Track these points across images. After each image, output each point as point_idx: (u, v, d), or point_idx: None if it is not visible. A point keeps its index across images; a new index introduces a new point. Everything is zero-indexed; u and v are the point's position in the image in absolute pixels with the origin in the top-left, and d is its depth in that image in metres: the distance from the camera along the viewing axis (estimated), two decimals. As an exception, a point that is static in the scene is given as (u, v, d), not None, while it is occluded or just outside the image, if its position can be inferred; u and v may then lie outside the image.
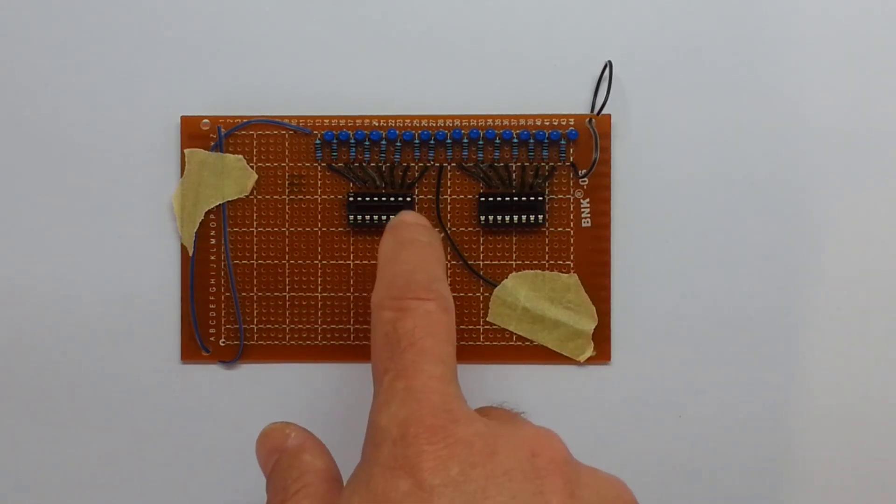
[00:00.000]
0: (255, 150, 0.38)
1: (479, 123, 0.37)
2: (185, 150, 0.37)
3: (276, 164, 0.38)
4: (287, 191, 0.38)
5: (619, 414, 0.38)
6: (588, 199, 0.37)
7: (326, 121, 0.37)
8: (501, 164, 0.37)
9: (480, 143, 0.37)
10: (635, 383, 0.37)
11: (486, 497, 0.26)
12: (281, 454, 0.30)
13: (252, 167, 0.38)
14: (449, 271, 0.37)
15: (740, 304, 0.37)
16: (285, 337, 0.38)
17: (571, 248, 0.37)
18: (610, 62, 0.37)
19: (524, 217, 0.37)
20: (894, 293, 0.37)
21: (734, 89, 0.37)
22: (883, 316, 0.37)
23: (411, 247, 0.31)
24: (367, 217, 0.37)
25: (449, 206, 0.37)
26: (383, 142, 0.37)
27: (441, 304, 0.30)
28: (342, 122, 0.37)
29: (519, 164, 0.37)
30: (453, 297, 0.37)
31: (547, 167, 0.37)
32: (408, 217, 0.33)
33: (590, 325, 0.37)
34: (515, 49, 0.37)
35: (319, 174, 0.38)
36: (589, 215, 0.37)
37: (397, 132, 0.37)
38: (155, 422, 0.38)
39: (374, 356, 0.29)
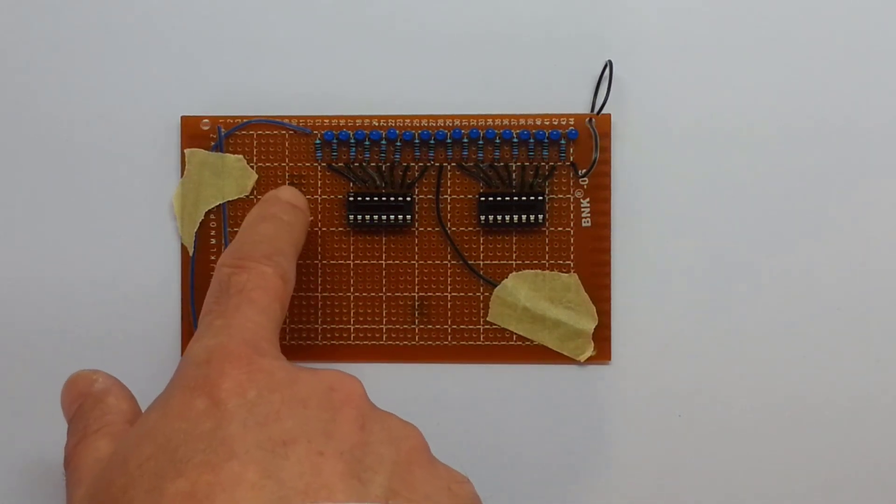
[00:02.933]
0: (255, 150, 0.38)
1: (479, 123, 0.37)
2: (186, 150, 0.37)
3: (276, 164, 0.38)
4: (287, 191, 0.38)
5: (619, 414, 0.37)
6: (588, 199, 0.37)
7: (326, 121, 0.37)
8: (501, 164, 0.37)
9: (480, 142, 0.37)
10: (635, 383, 0.37)
11: (278, 419, 0.27)
12: (85, 398, 0.30)
13: (252, 167, 0.38)
14: (449, 271, 0.37)
15: (740, 304, 0.37)
16: (285, 337, 0.38)
17: (571, 247, 0.37)
18: (610, 62, 0.37)
19: (524, 217, 0.37)
20: (894, 293, 0.37)
21: (734, 89, 0.37)
22: (883, 316, 0.37)
23: (270, 221, 0.33)
24: (367, 217, 0.37)
25: (449, 206, 0.37)
26: (383, 142, 0.37)
27: (278, 271, 0.31)
28: (342, 122, 0.37)
29: (519, 163, 0.37)
30: (453, 296, 0.37)
31: (547, 167, 0.37)
32: (283, 193, 0.35)
33: (590, 324, 0.37)
34: (515, 49, 0.37)
35: (319, 174, 0.38)
36: (589, 215, 0.37)
37: (397, 132, 0.37)
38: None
39: (204, 305, 0.30)
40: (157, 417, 0.27)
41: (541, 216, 0.37)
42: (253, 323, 0.29)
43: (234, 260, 0.31)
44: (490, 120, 0.37)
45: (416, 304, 0.38)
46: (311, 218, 0.37)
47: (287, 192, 0.35)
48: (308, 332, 0.38)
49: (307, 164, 0.38)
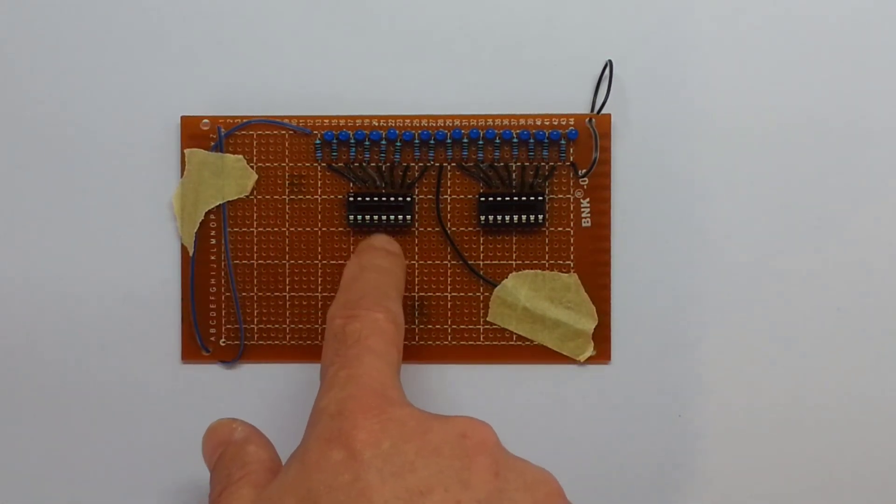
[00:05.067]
0: (255, 150, 0.38)
1: (479, 123, 0.37)
2: (186, 150, 0.37)
3: (276, 164, 0.38)
4: (287, 191, 0.38)
5: (619, 414, 0.37)
6: (588, 199, 0.37)
7: (326, 121, 0.37)
8: (501, 164, 0.37)
9: (480, 142, 0.37)
10: (635, 383, 0.37)
11: (413, 469, 0.27)
12: (226, 447, 0.31)
13: (252, 167, 0.38)
14: (449, 271, 0.37)
15: (740, 304, 0.37)
16: (285, 337, 0.38)
17: (571, 247, 0.37)
18: (610, 62, 0.37)
19: (524, 217, 0.37)
20: (894, 293, 0.37)
21: (734, 89, 0.37)
22: (883, 316, 0.37)
23: (371, 270, 0.34)
24: (367, 217, 0.37)
25: (449, 206, 0.37)
26: (383, 142, 0.37)
27: (389, 316, 0.32)
28: (342, 122, 0.37)
29: (519, 163, 0.37)
30: (453, 296, 0.37)
31: (547, 167, 0.37)
32: (376, 241, 0.36)
33: (590, 324, 0.37)
34: (515, 49, 0.37)
35: (319, 174, 0.38)
36: (589, 215, 0.37)
37: (397, 132, 0.37)
38: (155, 422, 0.38)
39: (322, 357, 0.31)
40: (298, 470, 0.28)
41: (541, 216, 0.37)
42: (377, 371, 0.30)
43: (345, 311, 0.32)
44: (490, 120, 0.37)
45: (416, 304, 0.38)
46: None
47: (379, 240, 0.36)
48: (308, 333, 0.38)
49: (307, 164, 0.38)
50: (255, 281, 0.38)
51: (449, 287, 0.38)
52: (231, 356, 0.38)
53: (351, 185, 0.37)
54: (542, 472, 0.29)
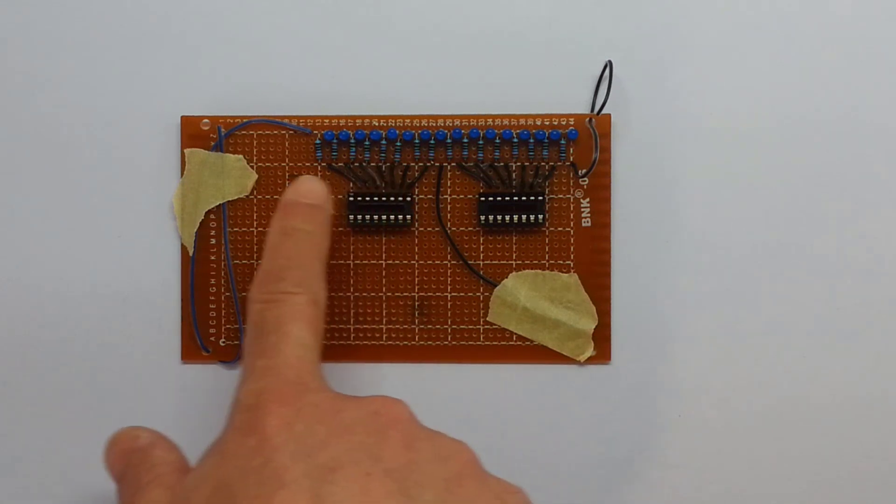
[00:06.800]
0: (255, 150, 0.38)
1: (479, 123, 0.37)
2: (186, 150, 0.37)
3: (276, 164, 0.38)
4: (287, 190, 0.38)
5: (619, 414, 0.37)
6: (588, 199, 0.37)
7: (326, 121, 0.37)
8: (501, 164, 0.37)
9: (480, 142, 0.37)
10: (635, 383, 0.37)
11: (325, 448, 0.27)
12: (131, 454, 0.31)
13: (252, 167, 0.38)
14: (449, 271, 0.37)
15: (740, 304, 0.37)
16: (285, 337, 0.38)
17: (571, 247, 0.37)
18: (610, 62, 0.37)
19: (524, 217, 0.37)
20: (894, 293, 0.37)
21: (734, 89, 0.37)
22: (883, 316, 0.37)
23: (292, 238, 0.33)
24: (367, 217, 0.37)
25: (449, 206, 0.37)
26: (383, 142, 0.37)
27: (310, 297, 0.31)
28: (342, 122, 0.37)
29: (519, 163, 0.37)
30: (453, 296, 0.37)
31: (547, 167, 0.37)
32: (301, 188, 0.34)
33: (590, 324, 0.37)
34: (515, 48, 0.37)
35: (319, 174, 0.38)
36: (589, 215, 0.37)
37: (397, 132, 0.37)
38: (155, 422, 0.37)
39: (244, 345, 0.31)
40: (213, 461, 0.28)
41: (541, 216, 0.37)
42: (295, 359, 0.30)
43: (263, 294, 0.32)
44: (490, 120, 0.37)
45: (416, 304, 0.38)
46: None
47: (304, 188, 0.35)
48: (308, 332, 0.38)
49: (307, 164, 0.38)
50: (255, 281, 0.38)
51: (449, 287, 0.38)
52: (231, 356, 0.38)
53: (351, 184, 0.37)
54: (456, 444, 0.29)
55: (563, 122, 0.37)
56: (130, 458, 0.31)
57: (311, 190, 0.34)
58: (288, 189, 0.35)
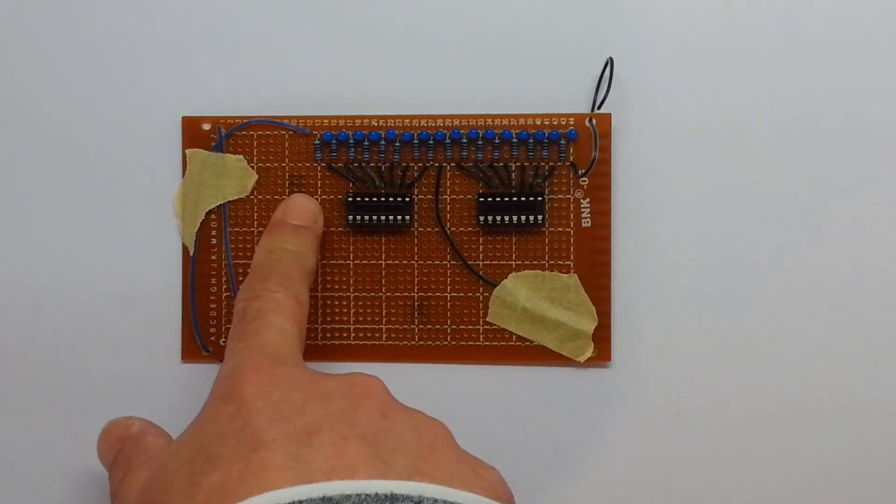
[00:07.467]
0: (255, 151, 0.38)
1: (479, 123, 0.37)
2: (187, 151, 0.38)
3: (276, 164, 0.38)
4: (287, 191, 0.38)
5: (619, 414, 0.37)
6: (588, 199, 0.37)
7: (326, 121, 0.37)
8: (501, 164, 0.37)
9: (480, 142, 0.37)
10: (635, 383, 0.37)
11: (302, 413, 0.28)
12: (124, 442, 0.32)
13: (252, 167, 0.38)
14: (448, 271, 0.37)
15: (740, 304, 0.37)
16: (285, 337, 0.38)
17: (571, 248, 0.37)
18: (611, 58, 0.37)
19: (524, 217, 0.37)
20: (894, 293, 0.37)
21: (734, 88, 0.37)
22: (883, 316, 0.37)
23: (276, 255, 0.35)
24: (367, 217, 0.37)
25: (448, 206, 0.37)
26: (383, 142, 0.37)
27: (289, 294, 0.33)
28: (342, 123, 0.37)
29: (518, 163, 0.37)
30: (453, 297, 0.37)
31: (547, 167, 0.37)
32: (291, 208, 0.36)
33: (590, 325, 0.37)
34: (515, 48, 0.37)
35: (319, 174, 0.38)
36: (589, 215, 0.37)
37: (396, 132, 0.37)
38: (155, 421, 0.38)
39: (228, 337, 0.32)
40: (192, 429, 0.29)
41: (540, 216, 0.37)
42: (272, 339, 0.31)
43: (246, 294, 0.33)
44: (490, 120, 0.37)
45: (416, 304, 0.38)
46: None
47: (295, 207, 0.36)
48: (308, 332, 0.37)
49: (307, 165, 0.38)
50: (256, 281, 0.38)
51: (448, 287, 0.37)
52: (231, 356, 0.38)
53: (350, 185, 0.37)
54: (432, 419, 0.30)
55: (563, 122, 0.37)
56: (123, 445, 0.32)
57: (300, 209, 0.36)
58: (278, 208, 0.36)
